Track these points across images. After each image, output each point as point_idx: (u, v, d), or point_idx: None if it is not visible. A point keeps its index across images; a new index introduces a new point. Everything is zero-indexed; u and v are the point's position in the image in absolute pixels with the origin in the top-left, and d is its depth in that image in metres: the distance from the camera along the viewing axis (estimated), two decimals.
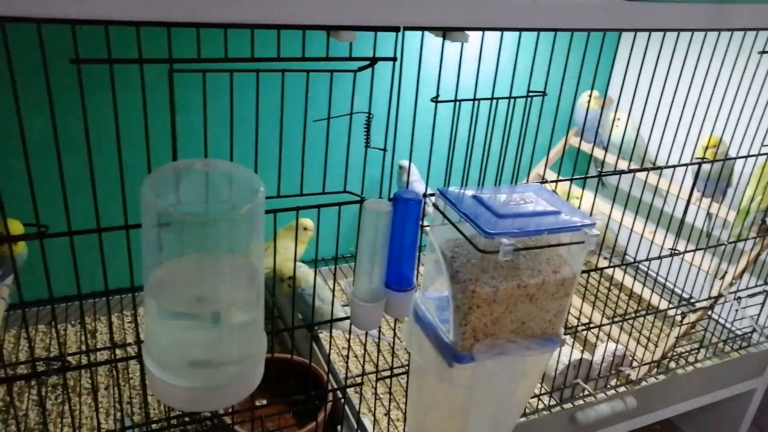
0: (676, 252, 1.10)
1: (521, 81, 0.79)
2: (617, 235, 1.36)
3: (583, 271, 0.96)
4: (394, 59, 0.66)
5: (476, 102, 0.75)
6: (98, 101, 0.63)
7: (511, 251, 0.68)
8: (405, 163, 1.43)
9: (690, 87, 0.95)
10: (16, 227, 0.94)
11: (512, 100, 0.77)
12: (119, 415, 1.09)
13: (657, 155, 1.20)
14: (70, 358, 1.08)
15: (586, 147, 1.57)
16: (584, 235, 0.73)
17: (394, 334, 1.05)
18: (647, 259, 1.10)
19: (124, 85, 0.59)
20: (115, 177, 0.61)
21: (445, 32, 0.67)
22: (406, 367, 0.96)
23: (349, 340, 0.93)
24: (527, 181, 1.48)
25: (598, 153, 1.54)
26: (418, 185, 1.37)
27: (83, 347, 1.24)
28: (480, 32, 0.70)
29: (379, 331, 1.05)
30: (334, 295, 0.91)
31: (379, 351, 1.01)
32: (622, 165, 1.51)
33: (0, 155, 1.02)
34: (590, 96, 1.30)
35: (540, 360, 0.82)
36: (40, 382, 1.15)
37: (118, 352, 1.24)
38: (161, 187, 0.55)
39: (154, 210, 0.54)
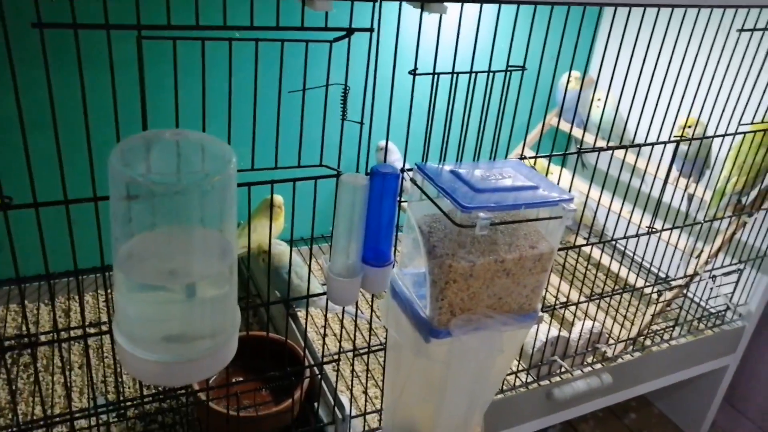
0: (653, 230, 1.11)
1: (500, 56, 0.78)
2: (595, 213, 1.36)
3: (561, 249, 0.96)
4: (371, 30, 0.65)
5: (455, 75, 0.74)
6: (65, 73, 0.61)
7: (488, 225, 0.68)
8: (383, 143, 1.42)
9: (669, 66, 0.95)
10: None
11: (491, 75, 0.76)
12: (93, 393, 1.08)
13: (636, 135, 1.20)
14: (42, 337, 1.06)
15: (565, 127, 1.57)
16: (562, 210, 0.73)
17: (372, 311, 1.05)
18: (624, 237, 1.10)
19: (92, 56, 0.57)
20: (83, 150, 0.59)
21: (423, 3, 0.66)
22: (384, 344, 0.96)
23: (326, 318, 0.93)
24: (494, 159, 1.48)
25: (577, 133, 1.54)
26: (398, 165, 1.36)
27: (57, 326, 1.22)
28: (458, 4, 0.68)
29: (357, 309, 1.05)
30: (310, 273, 0.91)
31: (356, 328, 1.00)
32: (602, 144, 1.52)
33: None
34: (569, 76, 1.30)
35: (517, 335, 0.82)
36: (10, 360, 1.13)
37: (91, 330, 1.22)
38: (130, 157, 0.53)
39: (122, 180, 0.52)
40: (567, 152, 0.94)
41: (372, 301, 1.11)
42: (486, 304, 0.77)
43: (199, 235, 0.59)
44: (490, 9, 0.74)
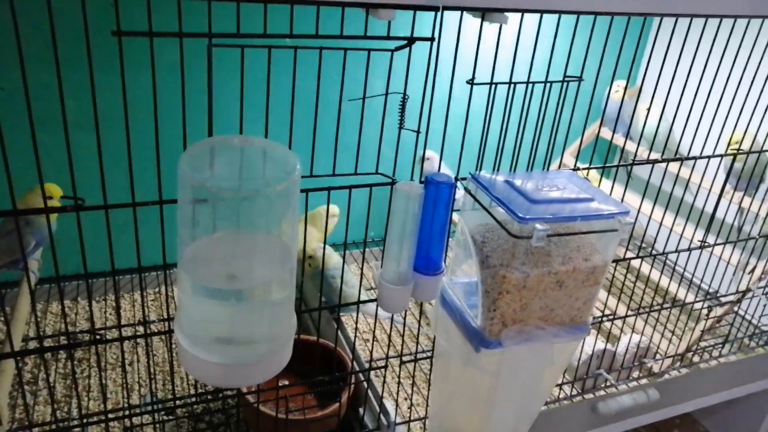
0: (706, 245, 1.08)
1: (554, 66, 0.78)
2: (646, 228, 1.34)
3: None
4: (432, 39, 0.65)
5: (512, 86, 0.74)
6: (133, 79, 0.63)
7: (545, 237, 0.67)
8: (429, 153, 1.41)
9: (716, 75, 0.93)
10: (55, 191, 0.94)
11: (548, 85, 0.76)
12: (143, 390, 1.10)
13: (679, 145, 1.18)
14: (108, 334, 1.09)
15: (608, 136, 1.55)
16: (617, 223, 0.72)
17: (419, 319, 1.05)
18: (676, 251, 1.08)
19: (160, 62, 0.58)
20: (149, 153, 0.61)
21: (484, 13, 0.66)
22: (430, 353, 0.96)
23: (375, 324, 0.93)
24: (548, 169, 1.46)
25: (621, 142, 1.52)
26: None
27: (106, 323, 1.25)
28: (519, 14, 0.68)
29: (405, 316, 1.05)
30: (362, 279, 0.91)
31: (403, 336, 1.01)
32: (654, 156, 1.49)
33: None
34: (624, 87, 1.28)
35: (567, 348, 0.81)
36: (65, 355, 1.16)
37: (141, 329, 1.25)
38: (198, 162, 0.55)
39: (190, 184, 0.53)
40: (621, 164, 0.93)
41: (420, 309, 1.12)
42: (538, 316, 0.76)
43: (262, 239, 0.60)
44: (549, 19, 0.73)
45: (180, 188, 0.55)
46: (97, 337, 0.66)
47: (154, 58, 0.56)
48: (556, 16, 0.72)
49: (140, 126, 0.62)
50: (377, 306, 0.80)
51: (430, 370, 0.96)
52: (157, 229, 0.65)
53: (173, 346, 1.21)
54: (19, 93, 0.52)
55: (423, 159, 1.40)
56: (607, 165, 0.91)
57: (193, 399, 0.89)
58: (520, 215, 0.68)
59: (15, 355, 0.64)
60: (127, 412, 0.83)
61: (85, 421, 0.73)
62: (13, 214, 0.57)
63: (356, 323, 0.89)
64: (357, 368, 0.99)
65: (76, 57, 0.55)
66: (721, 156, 1.00)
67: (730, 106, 0.97)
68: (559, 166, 1.60)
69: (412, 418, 1.05)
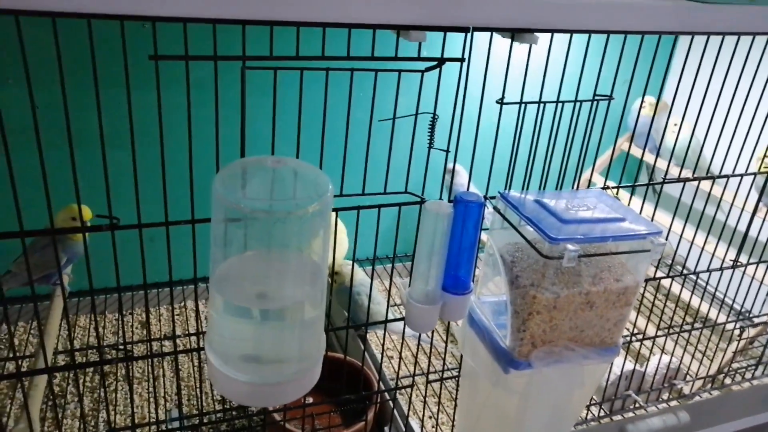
0: (739, 264, 1.06)
1: (582, 85, 0.78)
2: (677, 247, 1.32)
3: None
4: (462, 60, 0.65)
5: (541, 105, 0.74)
6: (166, 97, 0.64)
7: (576, 258, 0.67)
8: (456, 167, 1.41)
9: (749, 93, 0.91)
10: (85, 212, 0.96)
11: (578, 105, 0.75)
12: (169, 405, 1.11)
13: (711, 163, 1.16)
14: (136, 351, 1.10)
15: (636, 152, 1.53)
16: (650, 243, 0.71)
17: (446, 338, 1.05)
18: (708, 270, 1.06)
19: (194, 82, 0.59)
20: (182, 172, 0.62)
21: (514, 33, 0.66)
22: (456, 371, 0.95)
23: (402, 342, 0.93)
24: (577, 188, 1.45)
25: (649, 159, 1.50)
26: (464, 187, 1.35)
27: (133, 337, 1.27)
28: (548, 34, 0.68)
29: (431, 335, 1.05)
30: (389, 298, 0.91)
31: (429, 355, 1.00)
32: (675, 172, 1.47)
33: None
34: (655, 103, 1.26)
35: (597, 369, 0.80)
36: (92, 370, 1.18)
37: (167, 344, 1.26)
38: (231, 183, 0.55)
39: (223, 205, 0.54)
40: (652, 182, 0.92)
41: (448, 328, 1.11)
42: (568, 337, 0.75)
43: (293, 259, 0.60)
44: (578, 38, 0.73)
45: (213, 208, 0.55)
46: (128, 353, 0.66)
47: (189, 80, 0.57)
48: (586, 35, 0.72)
49: (173, 145, 0.63)
50: (404, 325, 0.80)
51: (457, 389, 0.95)
52: (183, 243, 0.66)
53: (200, 360, 1.22)
54: (52, 111, 0.53)
55: (450, 171, 1.41)
56: (637, 184, 0.90)
57: (219, 415, 0.89)
58: (552, 235, 0.67)
59: (49, 371, 0.65)
60: (154, 427, 0.83)
61: None
62: (51, 232, 0.58)
63: (383, 342, 0.89)
64: (383, 387, 0.99)
65: (109, 76, 0.56)
66: (755, 174, 0.99)
67: (764, 124, 0.95)
68: (589, 184, 1.59)
69: None
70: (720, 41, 0.81)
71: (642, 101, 1.25)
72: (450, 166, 1.47)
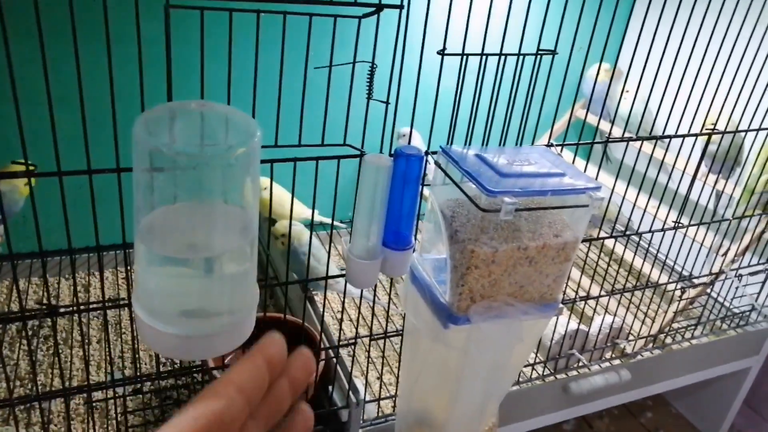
0: (680, 225, 1.08)
1: (529, 41, 0.77)
2: (620, 208, 1.34)
3: (583, 241, 0.95)
4: (400, 7, 0.63)
5: (484, 57, 0.72)
6: (87, 51, 0.61)
7: (513, 211, 0.66)
8: (406, 130, 1.40)
9: (702, 61, 0.92)
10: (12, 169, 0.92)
11: (521, 58, 0.74)
12: (110, 368, 1.08)
13: (665, 130, 1.18)
14: (62, 310, 1.07)
15: (592, 120, 1.54)
16: (589, 198, 0.71)
17: (389, 298, 1.04)
18: (650, 231, 1.08)
19: (116, 22, 0.56)
20: (106, 124, 0.58)
21: None
22: (401, 331, 0.95)
23: (343, 301, 0.92)
24: (521, 145, 1.45)
25: (605, 126, 1.51)
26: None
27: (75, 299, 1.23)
28: None
29: (374, 294, 1.04)
30: (329, 256, 0.90)
31: (373, 314, 1.00)
32: (625, 135, 1.48)
33: None
34: (600, 67, 1.27)
35: (537, 325, 0.81)
36: (31, 332, 1.14)
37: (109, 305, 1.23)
38: (154, 127, 0.53)
39: (146, 149, 0.51)
40: (595, 141, 0.92)
41: (390, 289, 1.11)
42: (507, 292, 0.76)
43: (221, 209, 0.58)
44: None
45: (135, 154, 0.52)
46: (53, 309, 0.64)
47: (108, 23, 0.53)
48: None
49: (97, 96, 0.60)
50: (346, 282, 0.79)
51: (401, 348, 0.95)
52: (116, 207, 0.63)
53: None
54: None
55: (406, 135, 1.40)
56: (581, 142, 0.90)
57: (160, 375, 0.88)
58: (489, 188, 0.67)
59: None
60: (89, 388, 0.81)
61: (44, 397, 0.71)
62: None
63: (324, 298, 0.88)
64: (326, 345, 0.98)
65: (29, 25, 0.53)
66: (696, 135, 1.00)
67: (705, 86, 0.96)
68: (549, 144, 1.59)
69: (382, 396, 1.04)
70: (677, 6, 0.81)
71: (599, 67, 1.25)
72: (404, 130, 1.47)
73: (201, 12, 0.57)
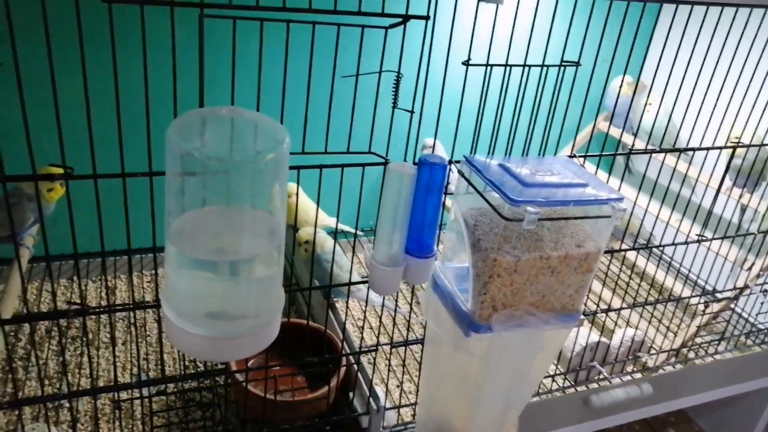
0: (703, 239, 1.07)
1: (554, 52, 0.77)
2: (642, 221, 1.33)
3: (606, 252, 0.95)
4: (426, 18, 0.65)
5: (508, 68, 0.73)
6: (124, 57, 0.63)
7: (536, 220, 0.67)
8: (430, 141, 1.41)
9: (727, 74, 0.92)
10: (55, 171, 0.95)
11: (545, 69, 0.75)
12: (135, 370, 1.10)
13: (689, 143, 1.17)
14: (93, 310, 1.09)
15: (614, 133, 1.54)
16: (611, 209, 0.72)
17: (410, 306, 1.05)
18: (673, 244, 1.07)
19: (152, 41, 0.58)
20: (140, 127, 0.60)
21: None
22: (421, 339, 0.95)
23: (365, 309, 0.93)
24: (543, 155, 1.46)
25: (627, 138, 1.51)
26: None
27: (101, 303, 1.26)
28: None
29: (396, 302, 1.05)
30: (352, 263, 0.91)
31: (394, 322, 1.00)
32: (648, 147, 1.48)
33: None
34: (623, 80, 1.27)
35: (558, 335, 0.81)
36: (61, 331, 1.17)
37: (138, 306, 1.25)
38: (187, 132, 0.55)
39: (178, 153, 0.53)
40: (618, 152, 0.92)
41: (412, 297, 1.11)
42: (529, 301, 0.76)
43: (249, 214, 0.60)
44: (546, 2, 0.73)
45: (167, 158, 0.54)
46: (85, 308, 0.65)
47: (145, 25, 0.55)
48: None
49: (131, 101, 0.62)
50: (368, 288, 0.80)
51: (422, 356, 0.95)
52: (148, 213, 0.65)
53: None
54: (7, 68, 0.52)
55: (430, 147, 1.41)
56: (604, 153, 0.91)
57: (184, 377, 0.89)
58: (513, 198, 0.67)
59: (2, 323, 0.64)
60: (116, 387, 0.83)
61: (72, 396, 0.73)
62: (1, 180, 0.57)
63: (347, 306, 0.89)
64: (347, 350, 0.99)
65: (67, 33, 0.55)
66: (720, 148, 1.00)
67: (730, 99, 0.96)
68: (572, 155, 1.60)
69: (402, 403, 1.05)
70: (701, 20, 0.81)
71: (622, 80, 1.25)
72: (429, 141, 1.48)
73: (233, 21, 0.59)
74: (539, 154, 0.86)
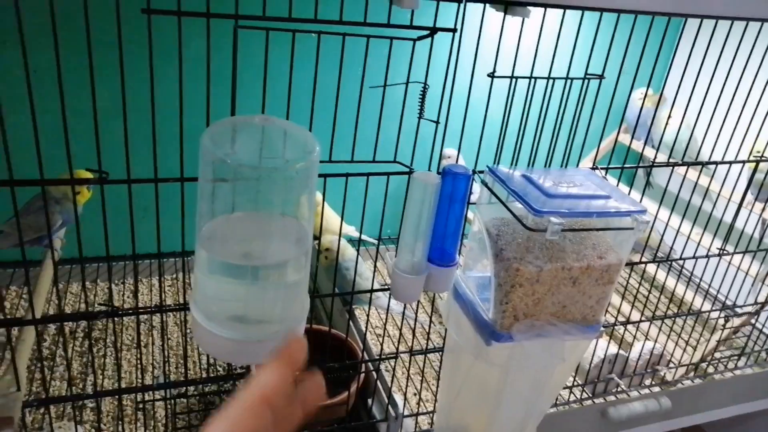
0: (724, 252, 1.07)
1: (577, 65, 0.78)
2: (662, 234, 1.33)
3: (626, 264, 0.95)
4: (454, 30, 0.66)
5: (532, 81, 0.74)
6: (160, 64, 0.65)
7: (559, 231, 0.67)
8: (450, 151, 1.42)
9: (751, 88, 0.92)
10: (84, 175, 0.97)
11: (569, 82, 0.76)
12: (156, 372, 1.12)
13: (711, 157, 1.17)
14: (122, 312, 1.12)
15: (636, 146, 1.54)
16: (634, 221, 0.72)
17: (431, 314, 1.06)
18: (693, 257, 1.07)
19: (187, 51, 0.60)
20: (173, 135, 0.62)
21: (507, 6, 0.67)
22: (441, 347, 0.96)
23: (386, 317, 0.94)
24: (566, 167, 1.46)
25: (649, 152, 1.51)
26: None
27: (124, 305, 1.28)
28: (542, 8, 0.69)
29: (416, 310, 1.06)
30: (375, 271, 0.92)
31: (414, 330, 1.01)
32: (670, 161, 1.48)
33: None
34: (645, 93, 1.27)
35: (578, 346, 0.81)
36: (82, 334, 1.19)
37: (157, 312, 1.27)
38: (219, 139, 0.56)
39: (210, 159, 0.55)
40: (640, 165, 0.92)
41: (432, 306, 1.12)
42: (550, 312, 0.76)
43: (278, 221, 0.61)
44: (572, 16, 0.74)
45: (201, 163, 0.56)
46: (115, 310, 0.67)
47: (181, 36, 0.57)
48: (579, 12, 0.72)
49: (166, 109, 0.64)
50: (389, 296, 0.81)
51: (440, 366, 0.96)
52: (178, 219, 0.66)
53: (188, 331, 1.23)
54: (49, 76, 0.54)
55: (454, 157, 1.42)
56: (626, 166, 0.91)
57: (208, 379, 0.90)
58: (536, 208, 0.68)
59: (36, 323, 0.66)
60: (143, 388, 0.84)
61: (97, 396, 0.75)
62: (40, 183, 0.58)
63: (368, 314, 0.90)
64: (368, 358, 1.00)
65: (104, 41, 0.57)
66: (743, 162, 0.99)
67: (754, 113, 0.96)
68: (594, 167, 1.60)
69: (419, 411, 1.05)
70: (725, 35, 0.82)
71: (645, 94, 1.25)
72: (448, 151, 1.49)
73: (267, 32, 0.60)
74: (561, 166, 0.86)
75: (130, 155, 0.63)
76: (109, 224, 0.67)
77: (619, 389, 1.16)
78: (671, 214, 1.24)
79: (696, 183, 1.24)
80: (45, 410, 0.97)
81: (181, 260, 0.82)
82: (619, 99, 0.89)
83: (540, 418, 0.89)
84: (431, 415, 1.06)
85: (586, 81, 0.77)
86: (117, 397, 0.83)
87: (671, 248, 1.35)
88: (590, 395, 1.14)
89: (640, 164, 0.94)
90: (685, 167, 1.00)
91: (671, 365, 1.22)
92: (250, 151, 0.58)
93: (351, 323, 1.10)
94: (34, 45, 0.55)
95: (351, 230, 1.37)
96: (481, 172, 0.78)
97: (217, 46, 0.61)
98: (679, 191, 1.08)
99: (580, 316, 0.78)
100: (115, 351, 0.77)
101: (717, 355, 1.27)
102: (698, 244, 1.21)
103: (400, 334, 0.97)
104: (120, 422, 0.95)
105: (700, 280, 1.44)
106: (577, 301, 0.77)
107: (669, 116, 1.44)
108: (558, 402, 1.12)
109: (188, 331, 1.22)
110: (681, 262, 1.11)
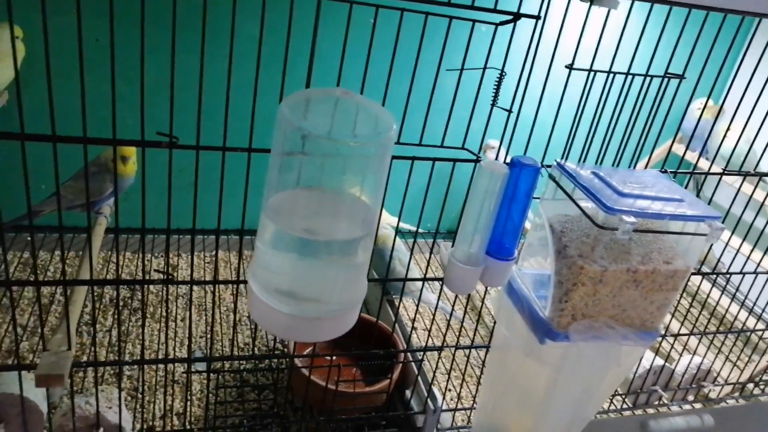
0: None
1: (655, 63, 0.76)
2: (710, 247, 1.29)
3: None
4: (537, 17, 0.64)
5: (611, 75, 0.72)
6: (238, 32, 0.64)
7: (631, 230, 0.65)
8: (493, 142, 1.39)
9: None
10: (128, 151, 0.98)
11: (648, 80, 0.73)
12: (193, 346, 1.12)
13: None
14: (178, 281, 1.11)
15: (690, 157, 1.49)
16: (708, 227, 0.69)
17: (479, 310, 1.04)
18: (741, 273, 1.04)
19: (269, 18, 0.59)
20: (246, 104, 0.61)
21: None
22: (484, 344, 0.94)
23: (435, 310, 0.92)
24: (633, 167, 1.42)
25: (703, 163, 1.47)
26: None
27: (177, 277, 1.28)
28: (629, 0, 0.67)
29: (453, 307, 1.04)
30: (428, 265, 0.90)
31: (462, 324, 0.99)
32: (728, 179, 1.44)
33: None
34: (711, 107, 1.23)
35: (634, 352, 0.79)
36: (122, 303, 1.19)
37: (196, 288, 1.27)
38: (296, 109, 0.55)
39: (287, 128, 0.53)
40: (695, 171, 0.90)
41: (467, 301, 1.10)
42: (609, 314, 0.74)
43: (347, 199, 0.60)
44: (658, 9, 0.71)
45: (276, 132, 0.55)
46: (171, 276, 0.66)
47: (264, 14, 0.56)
48: (666, 7, 0.69)
49: (240, 75, 0.63)
50: (442, 285, 0.79)
51: (482, 364, 0.94)
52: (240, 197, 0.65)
53: (227, 307, 1.22)
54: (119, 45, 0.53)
55: (489, 148, 1.39)
56: (680, 171, 0.87)
57: (253, 357, 0.90)
58: (609, 206, 0.66)
59: (91, 283, 0.65)
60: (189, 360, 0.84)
61: (143, 363, 0.75)
62: (112, 143, 0.58)
63: (417, 305, 0.88)
64: (411, 349, 0.98)
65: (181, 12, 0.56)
66: None
67: None
68: (663, 170, 1.56)
69: (458, 407, 1.03)
70: None
71: (705, 104, 1.21)
72: (492, 142, 1.45)
73: (350, 5, 0.59)
74: (630, 165, 0.84)
75: (186, 124, 0.62)
76: (159, 198, 0.66)
77: (662, 402, 1.13)
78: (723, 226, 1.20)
79: (750, 197, 1.20)
80: (83, 373, 0.98)
81: (238, 238, 0.81)
82: (678, 106, 0.86)
83: (584, 425, 0.86)
84: (469, 411, 1.04)
85: (666, 80, 0.74)
86: (159, 366, 0.82)
87: (718, 261, 1.32)
88: (631, 405, 1.11)
89: (698, 185, 0.91)
90: (741, 178, 0.97)
91: (717, 383, 1.18)
92: (326, 124, 0.57)
93: (390, 312, 1.09)
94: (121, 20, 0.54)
95: (390, 221, 1.35)
96: (548, 166, 0.76)
97: (296, 17, 0.59)
98: (731, 204, 1.04)
99: (639, 322, 0.76)
100: (165, 321, 0.77)
101: (765, 377, 1.23)
102: (747, 258, 1.17)
103: (448, 325, 0.95)
104: (163, 389, 0.95)
105: (746, 296, 1.40)
106: (638, 305, 0.74)
107: (728, 128, 1.40)
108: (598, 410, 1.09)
109: (227, 307, 1.22)
110: (727, 276, 1.07)
